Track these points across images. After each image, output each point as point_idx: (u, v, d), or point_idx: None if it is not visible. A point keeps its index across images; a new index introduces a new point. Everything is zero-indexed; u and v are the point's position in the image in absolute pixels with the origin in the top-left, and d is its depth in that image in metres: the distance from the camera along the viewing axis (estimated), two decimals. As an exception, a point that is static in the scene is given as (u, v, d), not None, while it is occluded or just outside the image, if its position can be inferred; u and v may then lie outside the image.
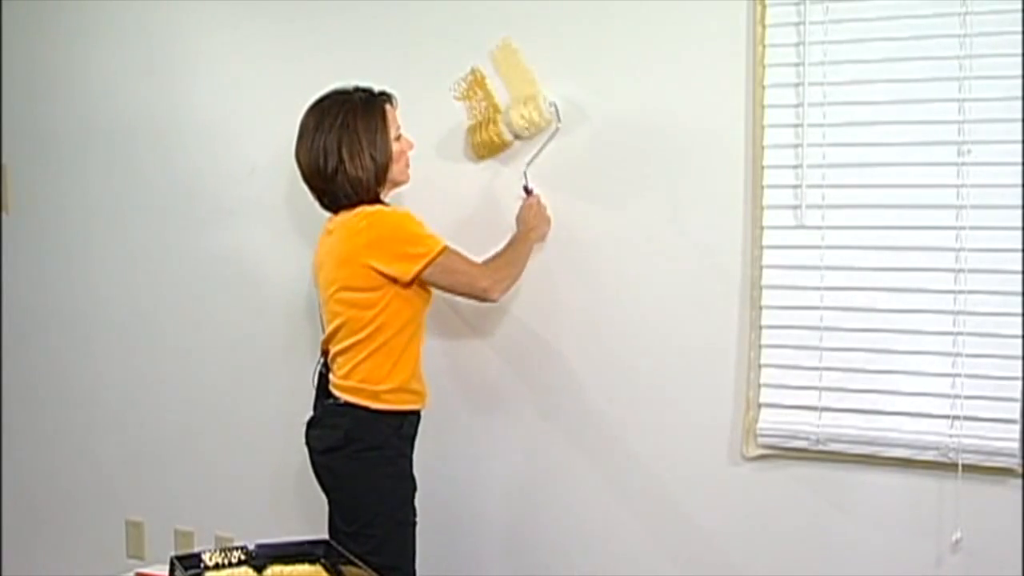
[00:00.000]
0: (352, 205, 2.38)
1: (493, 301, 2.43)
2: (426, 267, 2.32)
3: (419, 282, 2.37)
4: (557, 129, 2.58)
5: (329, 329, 2.44)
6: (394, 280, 2.33)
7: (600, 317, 2.64)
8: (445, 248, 2.35)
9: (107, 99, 3.17)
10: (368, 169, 2.36)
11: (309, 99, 2.44)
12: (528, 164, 2.62)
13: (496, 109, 2.65)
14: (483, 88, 2.69)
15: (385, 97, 2.44)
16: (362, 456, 2.37)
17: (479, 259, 2.45)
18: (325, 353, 2.49)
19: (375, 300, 2.35)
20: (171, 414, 3.18)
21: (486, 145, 2.65)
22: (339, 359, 2.42)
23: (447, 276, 2.36)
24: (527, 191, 2.62)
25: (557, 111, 2.57)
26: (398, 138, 2.43)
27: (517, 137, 2.62)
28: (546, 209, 2.61)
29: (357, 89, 2.43)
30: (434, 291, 2.47)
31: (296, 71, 2.86)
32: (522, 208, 2.60)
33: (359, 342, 2.37)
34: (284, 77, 2.88)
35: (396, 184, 2.47)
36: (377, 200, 2.41)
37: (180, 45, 3.06)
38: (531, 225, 2.57)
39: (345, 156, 2.35)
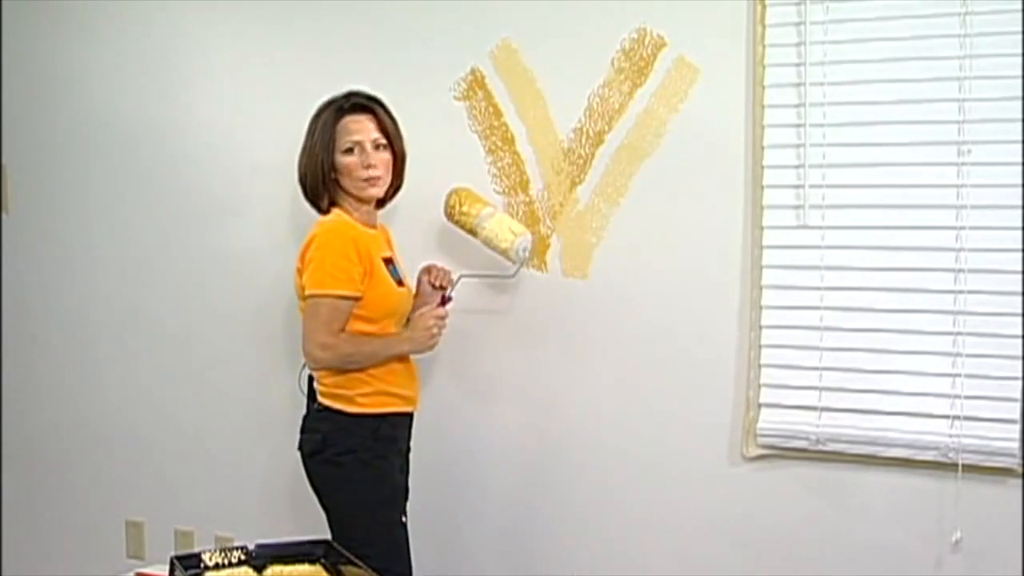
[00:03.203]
0: (320, 208, 2.43)
1: (308, 366, 2.41)
2: (308, 298, 2.34)
3: (371, 296, 2.36)
4: (511, 275, 2.56)
5: None
6: None
7: (599, 317, 2.63)
8: (328, 296, 2.31)
9: (107, 99, 3.16)
10: (303, 175, 2.41)
11: (309, 99, 2.45)
12: (463, 276, 2.51)
13: (478, 205, 2.53)
14: (483, 88, 2.69)
15: (353, 104, 2.40)
16: (337, 460, 2.38)
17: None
18: None
19: None
20: (171, 414, 3.18)
21: (454, 212, 2.56)
22: None
23: (306, 315, 2.36)
24: (443, 300, 2.46)
25: (522, 264, 2.52)
26: (349, 151, 2.37)
27: (475, 234, 2.53)
28: (440, 331, 2.43)
29: (346, 96, 2.42)
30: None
31: (296, 71, 2.86)
32: (421, 314, 2.43)
33: None
34: (284, 77, 2.88)
35: (360, 200, 2.42)
36: (336, 206, 2.41)
37: (180, 45, 3.06)
38: (414, 336, 2.41)
39: (299, 157, 2.42)
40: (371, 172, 2.39)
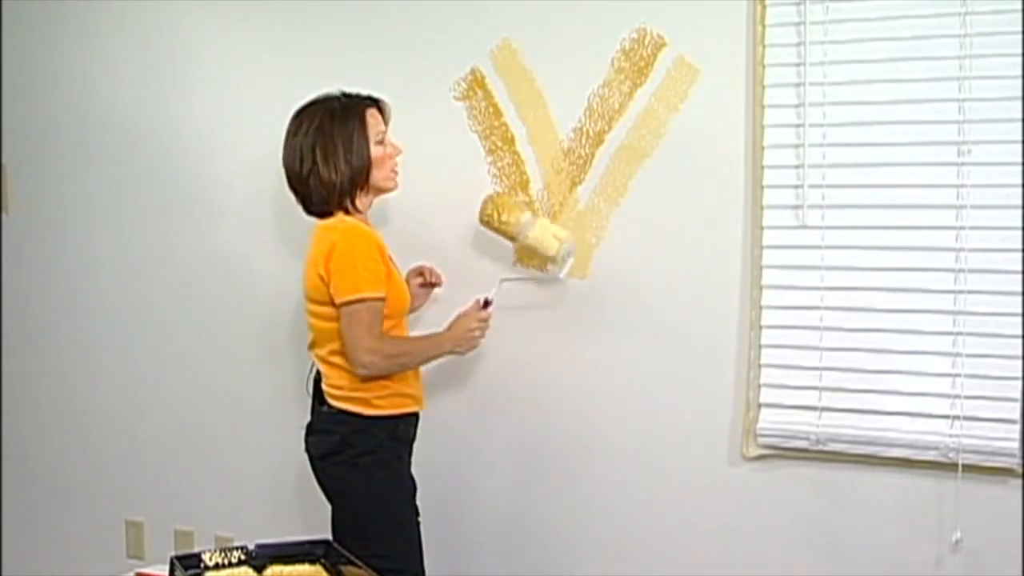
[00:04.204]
0: (329, 211, 2.38)
1: (357, 374, 2.35)
2: (347, 303, 2.30)
3: (391, 296, 2.35)
4: (557, 277, 2.56)
5: (310, 337, 2.46)
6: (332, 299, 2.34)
7: (600, 317, 2.63)
8: (365, 300, 2.30)
9: (107, 99, 3.16)
10: (342, 173, 2.35)
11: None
12: (504, 280, 2.54)
13: (516, 212, 2.51)
14: (483, 88, 2.69)
15: (369, 101, 2.42)
16: (357, 461, 2.38)
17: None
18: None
19: (336, 314, 2.34)
20: (171, 414, 3.18)
21: (492, 221, 2.52)
22: (326, 367, 2.42)
23: (347, 322, 2.31)
24: (486, 303, 2.49)
25: (566, 264, 2.52)
26: (380, 142, 2.40)
27: (516, 240, 2.53)
28: (483, 332, 2.48)
29: (342, 94, 2.42)
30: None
31: (295, 72, 2.85)
32: (463, 315, 2.48)
33: (338, 352, 2.37)
34: (283, 78, 2.88)
35: (381, 191, 2.45)
36: (351, 206, 2.38)
37: (180, 46, 3.06)
38: (456, 336, 2.45)
39: (319, 159, 2.35)
40: (397, 161, 2.44)
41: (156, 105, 3.10)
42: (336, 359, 2.38)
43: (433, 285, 2.64)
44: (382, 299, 2.33)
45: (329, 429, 2.40)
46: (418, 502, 2.49)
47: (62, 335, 3.32)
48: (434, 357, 2.47)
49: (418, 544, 2.45)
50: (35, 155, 3.30)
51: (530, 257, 2.63)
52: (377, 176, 2.41)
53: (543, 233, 2.50)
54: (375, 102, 2.44)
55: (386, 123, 2.46)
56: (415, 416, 2.48)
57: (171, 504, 3.20)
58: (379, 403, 2.38)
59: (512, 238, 2.53)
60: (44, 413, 3.38)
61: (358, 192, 2.39)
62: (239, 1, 2.97)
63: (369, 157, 2.38)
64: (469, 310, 2.49)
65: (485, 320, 2.48)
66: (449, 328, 2.48)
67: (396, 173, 2.46)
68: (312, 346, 2.46)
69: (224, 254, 3.06)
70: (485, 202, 2.54)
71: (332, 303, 2.33)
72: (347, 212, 2.39)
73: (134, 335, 3.21)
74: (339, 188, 2.36)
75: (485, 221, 2.54)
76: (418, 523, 2.46)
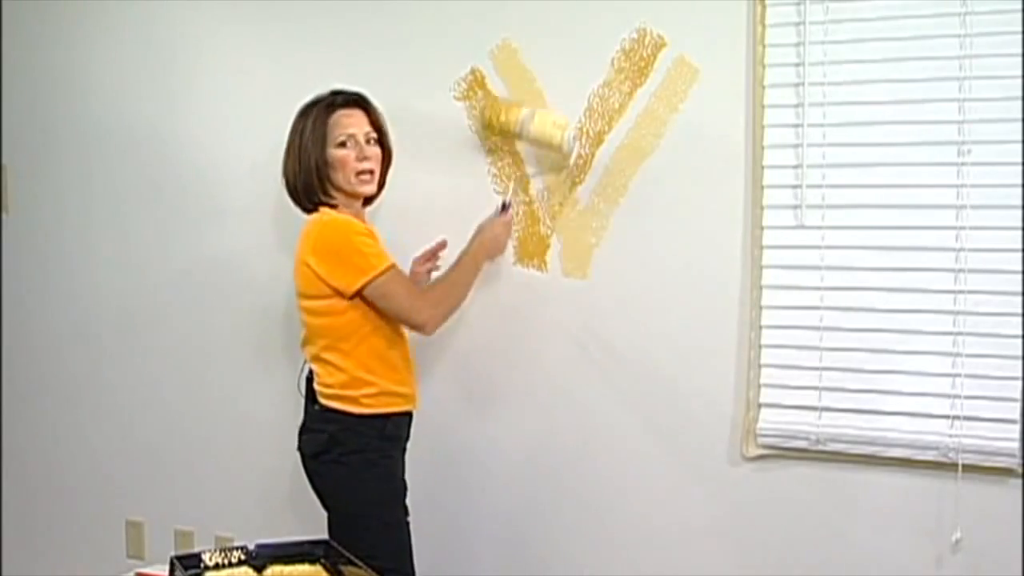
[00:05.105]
0: (309, 207, 2.40)
1: (426, 335, 2.38)
2: (366, 285, 2.29)
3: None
4: (567, 165, 2.58)
5: (302, 335, 2.45)
6: (338, 292, 2.32)
7: (600, 317, 2.63)
8: (388, 269, 2.31)
9: (107, 99, 3.16)
10: (294, 170, 2.37)
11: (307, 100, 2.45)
12: (514, 186, 2.58)
13: (514, 110, 2.55)
14: (483, 88, 2.69)
15: (343, 100, 2.40)
16: (344, 460, 2.37)
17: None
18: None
19: (329, 308, 2.34)
20: (171, 414, 3.18)
21: (493, 124, 2.56)
22: (316, 365, 2.42)
23: (383, 300, 2.31)
24: (504, 206, 2.54)
25: (573, 150, 2.53)
26: (342, 144, 2.37)
27: (520, 137, 2.56)
28: (509, 235, 2.54)
29: (330, 92, 2.42)
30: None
31: (295, 72, 2.85)
32: (485, 224, 2.50)
33: (327, 348, 2.37)
34: (283, 78, 2.88)
35: (349, 195, 2.41)
36: (324, 205, 2.38)
37: (180, 46, 3.06)
38: (486, 245, 2.47)
39: (284, 154, 2.41)
40: (365, 165, 2.39)
41: (156, 105, 3.10)
42: (327, 355, 2.37)
43: (436, 253, 2.64)
44: (395, 266, 2.34)
45: (319, 428, 2.40)
46: (415, 503, 2.48)
47: (62, 335, 3.32)
48: (476, 274, 2.47)
49: (408, 545, 2.44)
50: (35, 155, 3.30)
51: (537, 148, 2.62)
52: (337, 179, 2.38)
53: (543, 124, 2.51)
54: (358, 104, 2.41)
55: (374, 124, 2.43)
56: (407, 416, 2.47)
57: (171, 504, 3.20)
58: (367, 402, 2.37)
59: (516, 136, 2.56)
60: (44, 413, 3.37)
61: (323, 191, 2.38)
62: (239, 1, 2.97)
63: (319, 158, 2.36)
64: (490, 217, 2.52)
65: (508, 223, 2.52)
66: (474, 240, 2.48)
67: (366, 177, 2.40)
68: (304, 343, 2.46)
69: (224, 254, 3.06)
70: (483, 109, 2.58)
71: (335, 294, 2.31)
72: (332, 208, 2.39)
73: (134, 335, 3.21)
74: (292, 184, 2.40)
75: (488, 125, 2.57)
76: (408, 523, 2.45)
